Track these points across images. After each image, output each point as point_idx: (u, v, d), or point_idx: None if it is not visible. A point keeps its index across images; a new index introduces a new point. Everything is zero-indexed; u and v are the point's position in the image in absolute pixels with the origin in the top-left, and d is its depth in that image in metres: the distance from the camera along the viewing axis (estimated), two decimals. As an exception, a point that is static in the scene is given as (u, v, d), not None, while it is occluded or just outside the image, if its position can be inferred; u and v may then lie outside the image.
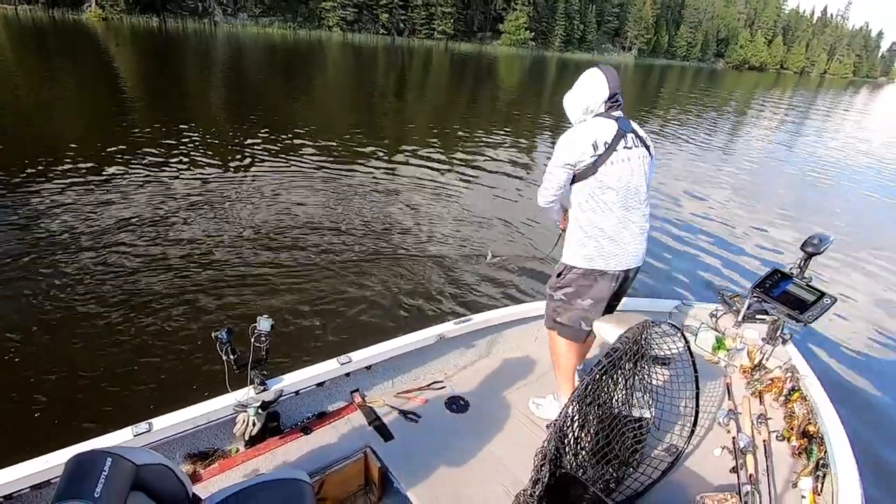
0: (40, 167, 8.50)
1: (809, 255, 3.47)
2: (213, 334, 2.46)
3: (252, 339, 2.55)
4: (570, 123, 2.88)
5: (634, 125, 2.80)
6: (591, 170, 2.65)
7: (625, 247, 2.75)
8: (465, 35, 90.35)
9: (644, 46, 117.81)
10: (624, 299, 3.12)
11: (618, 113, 2.76)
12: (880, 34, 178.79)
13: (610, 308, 2.96)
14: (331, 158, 10.84)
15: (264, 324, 2.57)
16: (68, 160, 8.99)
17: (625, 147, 2.68)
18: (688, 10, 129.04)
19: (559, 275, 2.92)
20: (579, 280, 2.82)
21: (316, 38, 67.09)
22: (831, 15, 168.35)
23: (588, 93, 2.76)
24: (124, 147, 10.12)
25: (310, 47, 51.45)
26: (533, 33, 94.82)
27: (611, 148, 2.64)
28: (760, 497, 2.54)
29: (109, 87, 18.05)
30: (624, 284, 2.91)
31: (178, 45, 39.43)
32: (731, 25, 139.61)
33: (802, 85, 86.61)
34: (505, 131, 16.42)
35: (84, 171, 8.57)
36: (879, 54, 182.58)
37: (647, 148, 2.82)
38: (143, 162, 9.36)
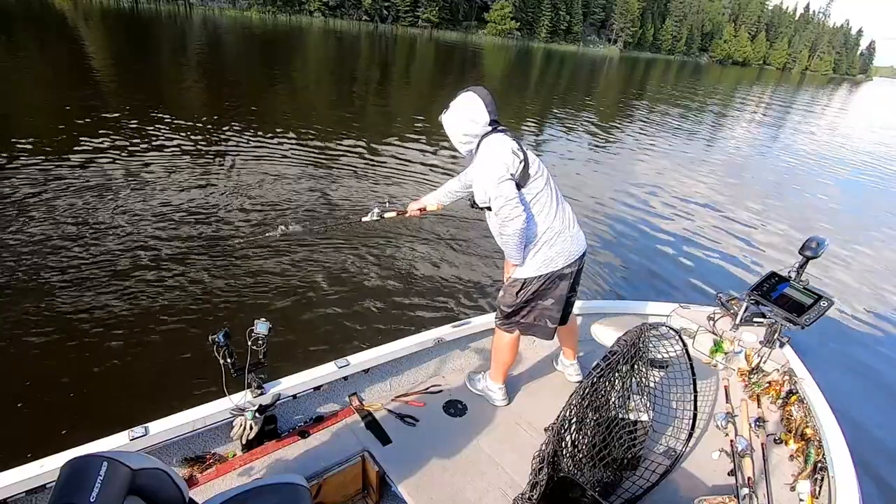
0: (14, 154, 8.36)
1: (807, 259, 3.49)
2: (210, 337, 2.41)
3: (249, 343, 2.52)
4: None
5: None
6: (525, 174, 2.68)
7: (572, 238, 2.84)
8: (450, 24, 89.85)
9: (630, 39, 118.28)
10: (622, 302, 3.12)
11: (502, 128, 2.78)
12: (860, 32, 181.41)
13: (568, 301, 3.04)
14: (317, 151, 10.72)
15: (261, 327, 2.54)
16: (48, 150, 8.82)
17: (526, 148, 2.77)
18: (673, 3, 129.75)
19: (519, 291, 2.91)
20: (540, 286, 2.87)
21: (296, 24, 66.10)
22: (813, 12, 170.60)
23: (469, 119, 2.72)
24: (102, 138, 9.91)
25: (290, 32, 50.55)
26: (518, 23, 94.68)
27: (523, 152, 2.71)
28: (758, 500, 2.56)
29: (78, 70, 17.56)
30: (578, 275, 3.00)
31: (152, 29, 38.21)
32: (716, 20, 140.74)
33: (785, 81, 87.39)
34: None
35: (63, 161, 8.40)
36: (858, 52, 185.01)
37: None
38: (122, 152, 9.18)
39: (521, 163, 2.66)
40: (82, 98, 13.18)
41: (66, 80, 15.61)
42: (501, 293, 3.02)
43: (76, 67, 17.95)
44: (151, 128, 10.85)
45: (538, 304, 2.92)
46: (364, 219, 3.57)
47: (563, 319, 3.10)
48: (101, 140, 9.63)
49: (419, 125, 14.81)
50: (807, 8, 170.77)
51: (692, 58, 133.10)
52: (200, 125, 11.63)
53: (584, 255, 2.94)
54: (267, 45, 36.76)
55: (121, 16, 46.15)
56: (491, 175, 2.64)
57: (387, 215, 3.55)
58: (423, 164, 10.93)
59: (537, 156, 2.86)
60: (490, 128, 2.73)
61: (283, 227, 3.50)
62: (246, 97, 16.00)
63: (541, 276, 2.83)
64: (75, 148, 9.03)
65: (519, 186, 2.67)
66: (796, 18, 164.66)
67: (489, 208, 2.76)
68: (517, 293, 2.91)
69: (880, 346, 6.21)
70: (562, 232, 2.78)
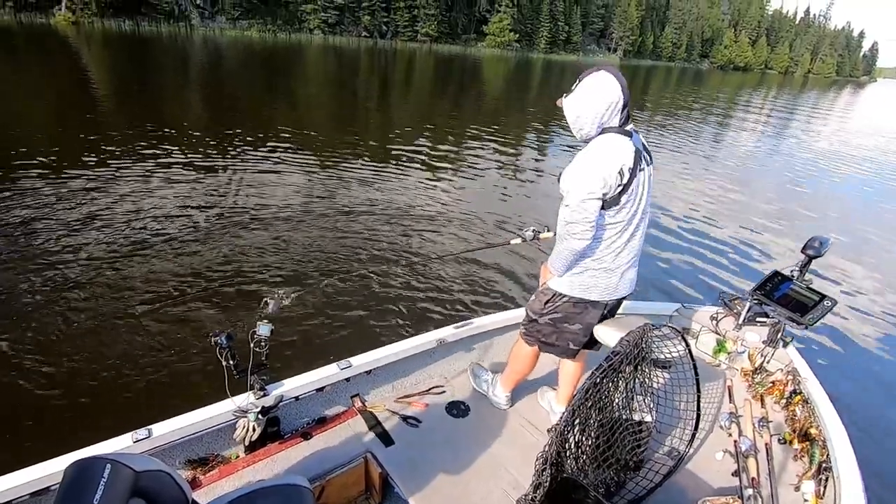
0: (18, 171, 8.44)
1: (810, 258, 3.47)
2: (212, 339, 2.43)
3: (252, 344, 2.53)
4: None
5: (641, 138, 2.52)
6: (615, 201, 2.38)
7: (620, 278, 2.62)
8: (449, 37, 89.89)
9: (629, 48, 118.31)
10: (625, 302, 3.07)
11: (630, 126, 2.44)
12: (861, 34, 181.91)
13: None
14: (318, 161, 10.80)
15: (264, 329, 2.55)
16: (48, 164, 8.96)
17: (640, 170, 2.42)
18: (672, 10, 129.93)
19: (548, 301, 2.76)
20: (569, 308, 2.71)
21: (296, 42, 66.29)
22: (814, 15, 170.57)
23: (603, 104, 2.35)
24: (111, 149, 10.12)
25: (290, 50, 50.59)
26: (517, 35, 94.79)
27: (633, 174, 2.37)
28: (763, 501, 2.54)
29: (80, 92, 17.58)
30: (615, 309, 2.82)
31: (154, 50, 38.23)
32: (716, 26, 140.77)
33: (787, 85, 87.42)
34: (493, 131, 16.38)
35: (67, 173, 8.53)
36: (861, 54, 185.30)
37: (652, 162, 2.58)
38: (126, 164, 9.31)
39: (619, 187, 2.35)
40: (86, 116, 13.37)
41: (70, 100, 15.75)
42: (532, 298, 2.87)
43: (79, 88, 18.10)
44: (158, 142, 10.98)
45: (564, 328, 2.77)
46: (513, 241, 3.55)
47: (590, 344, 2.88)
48: (107, 152, 9.82)
49: (425, 132, 14.90)
50: (807, 11, 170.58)
51: (693, 64, 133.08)
52: (205, 140, 11.76)
53: (626, 296, 2.76)
54: (268, 62, 36.94)
55: (122, 37, 46.38)
56: (583, 185, 2.34)
57: (543, 236, 3.45)
58: (430, 168, 11.03)
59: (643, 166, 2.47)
60: (620, 118, 2.40)
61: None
62: (249, 112, 16.18)
63: (572, 297, 2.66)
64: (82, 159, 9.20)
65: (602, 206, 2.39)
66: (797, 22, 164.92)
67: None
68: (545, 302, 2.76)
69: (884, 345, 6.18)
70: (611, 271, 2.57)
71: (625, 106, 2.37)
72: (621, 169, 2.33)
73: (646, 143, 2.55)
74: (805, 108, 42.53)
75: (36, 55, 26.94)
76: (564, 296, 2.68)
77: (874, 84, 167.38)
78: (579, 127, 2.46)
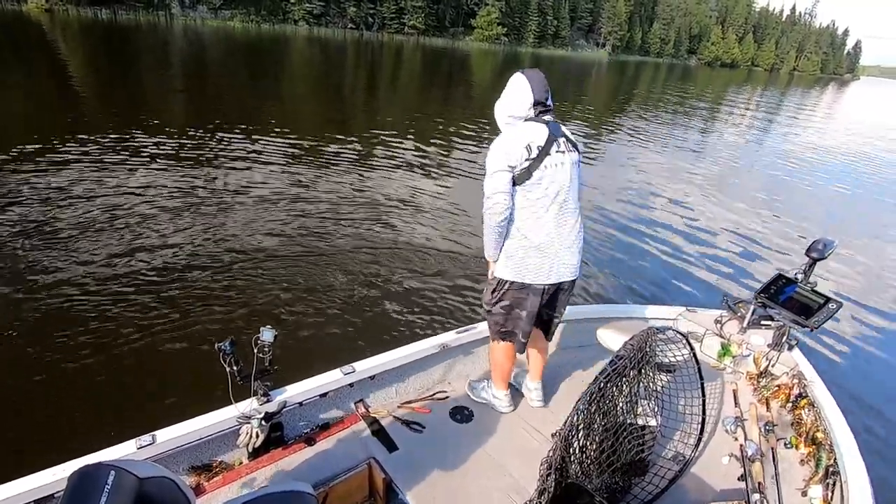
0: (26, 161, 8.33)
1: (814, 260, 3.46)
2: (216, 345, 2.42)
3: (255, 350, 2.51)
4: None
5: (564, 129, 2.71)
6: (526, 175, 2.55)
7: (554, 259, 2.67)
8: (436, 30, 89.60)
9: (618, 43, 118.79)
10: (629, 306, 3.07)
11: (548, 117, 2.67)
12: (846, 32, 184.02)
13: (547, 319, 2.99)
14: (314, 162, 10.72)
15: (267, 334, 2.53)
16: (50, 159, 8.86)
17: (557, 151, 2.60)
18: (661, 6, 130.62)
19: (494, 290, 2.84)
20: (515, 293, 2.78)
21: (280, 33, 65.71)
22: (799, 13, 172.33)
23: (512, 100, 2.67)
24: (103, 147, 10.05)
25: (274, 42, 50.09)
26: (505, 29, 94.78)
27: (544, 152, 2.55)
28: None
29: (54, 85, 17.06)
30: (558, 295, 2.86)
31: (132, 40, 37.40)
32: (703, 23, 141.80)
33: (774, 82, 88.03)
34: (488, 129, 16.42)
35: (65, 171, 8.48)
36: (845, 52, 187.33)
37: (577, 152, 2.74)
38: (115, 164, 9.22)
39: (527, 160, 2.53)
40: (63, 111, 13.19)
41: (46, 92, 15.55)
42: (484, 290, 2.97)
43: (55, 79, 17.87)
44: (147, 139, 10.85)
45: (515, 314, 2.84)
46: None
47: (544, 334, 3.08)
48: (98, 152, 9.70)
49: (422, 131, 14.93)
50: (793, 9, 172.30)
51: (681, 60, 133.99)
52: (196, 135, 11.66)
53: (565, 282, 2.80)
54: (251, 53, 36.57)
55: (99, 26, 45.63)
56: (488, 162, 2.59)
57: None
58: (427, 170, 11.05)
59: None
60: (533, 111, 2.65)
61: None
62: (233, 106, 16.09)
63: (514, 282, 2.73)
64: (73, 161, 9.02)
65: (515, 182, 2.57)
66: (783, 20, 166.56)
67: None
68: (492, 292, 2.85)
69: (890, 348, 6.20)
70: (542, 248, 2.64)
71: (536, 103, 2.63)
72: (528, 145, 2.54)
73: (568, 134, 2.73)
74: (794, 106, 42.87)
75: (7, 43, 26.60)
76: (507, 282, 2.76)
77: (857, 82, 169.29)
78: (497, 119, 2.76)
